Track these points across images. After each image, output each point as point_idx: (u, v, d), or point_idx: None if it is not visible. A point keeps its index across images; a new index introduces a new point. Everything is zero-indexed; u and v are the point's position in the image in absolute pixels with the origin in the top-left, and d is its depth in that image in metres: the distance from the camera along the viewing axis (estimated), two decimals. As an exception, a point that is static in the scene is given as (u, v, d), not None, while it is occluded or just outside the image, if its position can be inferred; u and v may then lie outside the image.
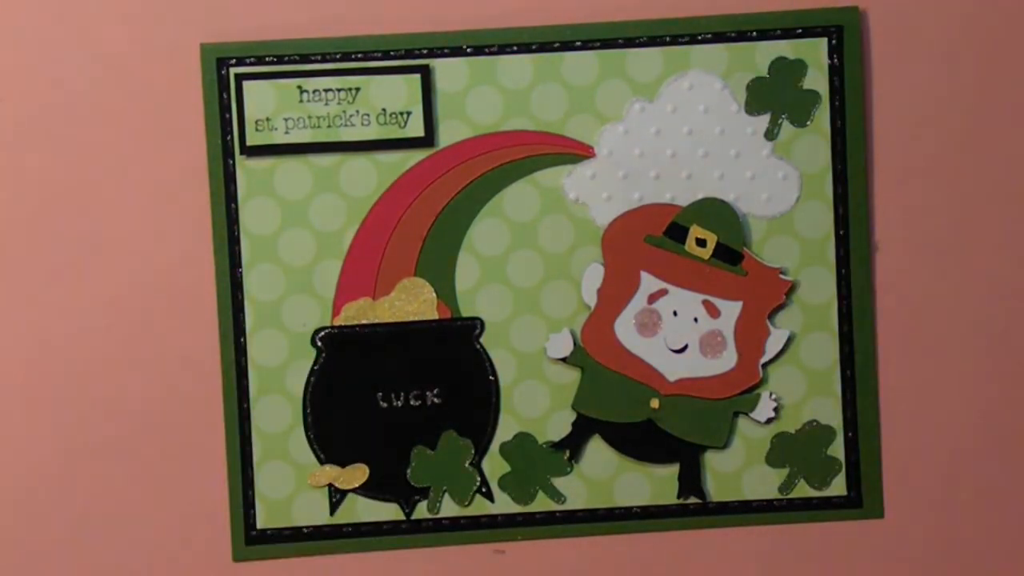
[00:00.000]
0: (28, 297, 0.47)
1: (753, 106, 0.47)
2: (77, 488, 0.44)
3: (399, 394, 0.44)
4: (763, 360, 0.47)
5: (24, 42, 0.46)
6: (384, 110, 0.46)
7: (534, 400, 0.47)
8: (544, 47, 0.46)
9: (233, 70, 0.46)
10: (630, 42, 0.47)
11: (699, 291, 0.47)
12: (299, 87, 0.46)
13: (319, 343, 0.46)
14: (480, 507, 0.47)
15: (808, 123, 0.47)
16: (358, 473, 0.47)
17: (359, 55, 0.46)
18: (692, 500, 0.48)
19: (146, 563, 0.47)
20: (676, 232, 0.47)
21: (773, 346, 0.47)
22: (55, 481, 0.47)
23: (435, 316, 0.47)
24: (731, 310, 0.47)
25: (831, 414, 0.47)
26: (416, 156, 0.47)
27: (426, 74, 0.46)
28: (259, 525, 0.47)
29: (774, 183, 0.47)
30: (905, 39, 0.47)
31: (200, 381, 0.47)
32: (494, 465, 0.47)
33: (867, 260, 0.47)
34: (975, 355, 0.48)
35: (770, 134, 0.47)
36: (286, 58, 0.46)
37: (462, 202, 0.47)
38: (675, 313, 0.47)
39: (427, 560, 0.47)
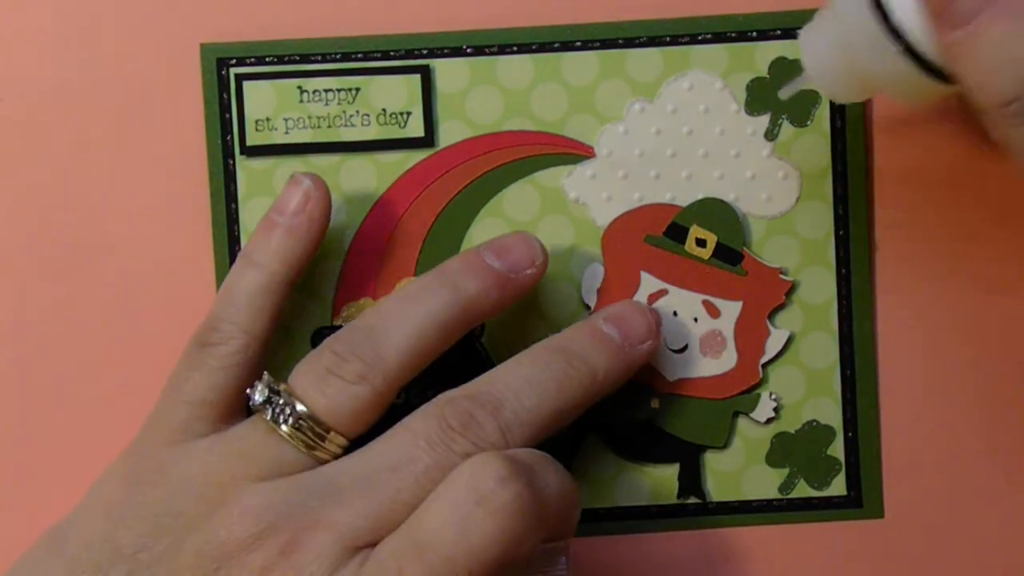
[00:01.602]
0: (25, 297, 0.47)
1: (753, 106, 0.47)
2: (76, 488, 0.44)
3: (400, 393, 0.44)
4: (763, 360, 0.47)
5: (23, 41, 0.46)
6: (384, 110, 0.46)
7: (534, 400, 0.47)
8: (544, 47, 0.46)
9: (233, 70, 0.46)
10: (630, 42, 0.47)
11: (699, 291, 0.47)
12: (299, 87, 0.46)
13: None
14: (480, 507, 0.47)
15: (808, 123, 0.47)
16: (358, 473, 0.47)
17: (359, 55, 0.46)
18: (692, 500, 0.48)
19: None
20: (676, 232, 0.47)
21: (773, 346, 0.47)
22: (53, 488, 0.47)
23: (435, 316, 0.47)
24: (731, 310, 0.47)
25: (831, 414, 0.47)
26: (416, 156, 0.47)
27: (426, 74, 0.46)
28: (259, 525, 0.47)
29: (774, 183, 0.47)
30: (905, 39, 0.47)
31: (200, 381, 0.47)
32: (494, 465, 0.47)
33: (867, 260, 0.47)
34: (975, 355, 0.48)
35: (770, 134, 0.47)
36: (286, 58, 0.46)
37: (462, 202, 0.47)
38: (675, 313, 0.47)
39: (427, 560, 0.47)
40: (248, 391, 0.42)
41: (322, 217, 0.44)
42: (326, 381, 0.41)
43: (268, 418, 0.41)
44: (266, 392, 0.42)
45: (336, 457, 0.41)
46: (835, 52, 0.41)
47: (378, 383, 0.41)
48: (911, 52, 0.38)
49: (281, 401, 0.41)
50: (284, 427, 0.41)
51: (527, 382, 0.41)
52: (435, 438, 0.40)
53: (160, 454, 0.42)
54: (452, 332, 0.43)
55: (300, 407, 0.41)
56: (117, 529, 0.41)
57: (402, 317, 0.42)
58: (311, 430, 0.41)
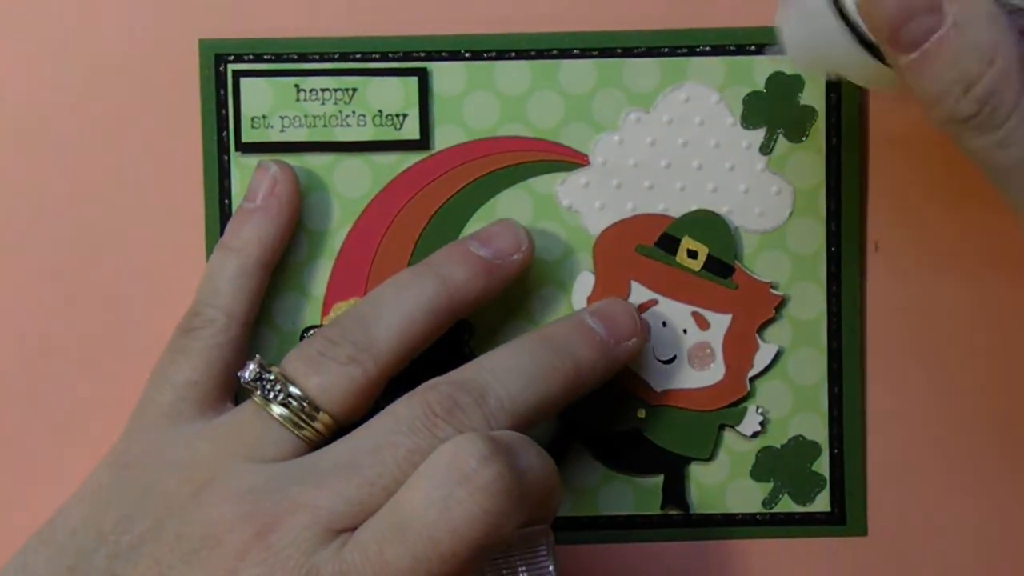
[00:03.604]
0: (19, 291, 0.47)
1: (749, 120, 0.47)
2: (74, 485, 0.44)
3: (387, 395, 0.44)
4: (751, 374, 0.47)
5: (21, 38, 0.46)
6: (380, 112, 0.46)
7: (521, 406, 0.47)
8: (542, 54, 0.46)
9: (231, 66, 0.46)
10: (628, 52, 0.47)
11: (689, 303, 0.47)
12: (296, 86, 0.46)
13: (308, 342, 0.46)
14: (463, 511, 0.47)
15: (804, 139, 0.47)
16: (345, 473, 0.47)
17: (357, 56, 0.46)
18: (675, 511, 0.47)
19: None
20: (667, 243, 0.47)
21: (761, 360, 0.47)
22: (51, 485, 0.47)
23: (425, 319, 0.47)
24: (720, 323, 0.47)
25: (817, 430, 0.47)
26: (411, 159, 0.47)
27: (423, 77, 0.46)
28: (245, 523, 0.47)
29: (767, 197, 0.47)
30: (903, 58, 0.47)
31: (188, 376, 0.47)
32: (479, 470, 0.47)
33: (858, 277, 0.47)
34: (963, 375, 0.48)
35: (765, 148, 0.47)
36: (284, 56, 0.46)
37: (455, 206, 0.47)
38: (664, 323, 0.47)
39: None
40: (239, 372, 0.43)
41: (291, 199, 0.45)
42: (318, 362, 0.42)
43: (258, 396, 0.42)
44: (257, 371, 0.42)
45: (324, 440, 0.42)
46: (798, 22, 0.41)
47: (369, 366, 0.42)
48: (865, 42, 0.38)
49: (271, 378, 0.42)
50: (274, 406, 0.42)
51: (513, 371, 0.42)
52: (418, 424, 0.40)
53: (146, 438, 0.42)
54: (441, 319, 0.43)
55: (291, 387, 0.42)
56: (101, 513, 0.41)
57: (392, 304, 0.43)
58: (301, 409, 0.41)
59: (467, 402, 0.40)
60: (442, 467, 0.38)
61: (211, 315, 0.44)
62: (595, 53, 0.47)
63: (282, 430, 0.41)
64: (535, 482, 0.39)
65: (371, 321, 0.42)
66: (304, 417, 0.41)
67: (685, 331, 0.47)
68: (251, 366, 0.42)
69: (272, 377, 0.42)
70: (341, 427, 0.42)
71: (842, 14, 0.39)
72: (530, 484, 0.39)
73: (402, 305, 0.43)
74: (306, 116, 0.46)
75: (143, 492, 0.41)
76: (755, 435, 0.47)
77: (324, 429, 0.42)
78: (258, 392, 0.42)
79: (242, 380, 0.42)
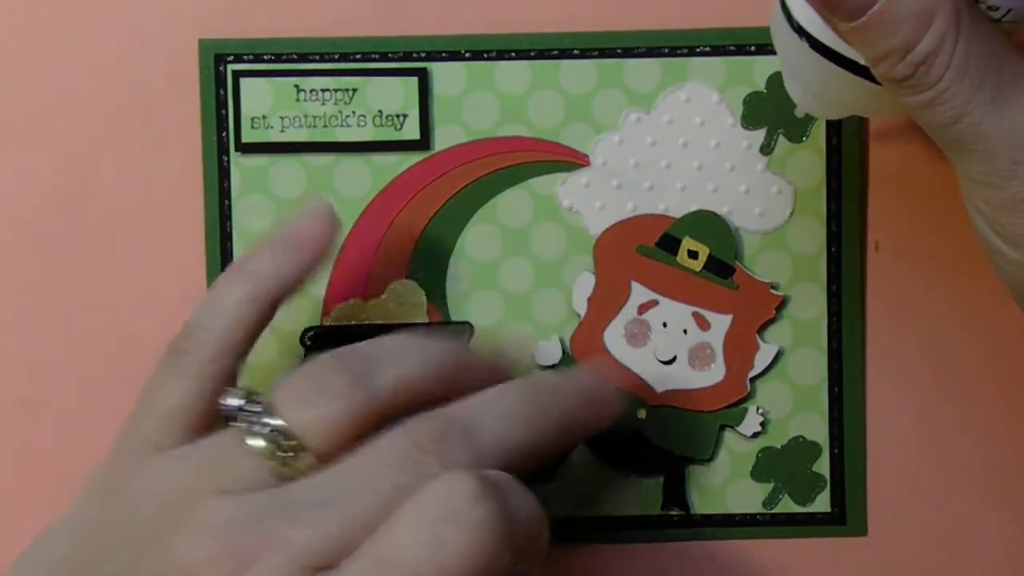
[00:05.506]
0: (21, 294, 0.47)
1: (749, 120, 0.47)
2: (68, 491, 0.44)
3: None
4: (751, 374, 0.47)
5: (21, 38, 0.46)
6: (380, 112, 0.46)
7: (521, 407, 0.47)
8: (542, 54, 0.46)
9: (231, 67, 0.46)
10: (628, 52, 0.47)
11: (690, 303, 0.47)
12: (296, 86, 0.46)
13: (308, 342, 0.46)
14: (464, 512, 0.47)
15: (804, 139, 0.47)
16: (344, 474, 0.47)
17: (357, 56, 0.46)
18: (676, 512, 0.47)
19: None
20: (668, 243, 0.47)
21: (762, 360, 0.47)
22: (46, 490, 0.47)
23: (425, 319, 0.47)
24: (721, 323, 0.47)
25: (817, 430, 0.47)
26: (411, 159, 0.47)
27: (424, 77, 0.46)
28: (242, 523, 0.47)
29: (768, 198, 0.47)
30: (903, 58, 0.47)
31: (188, 377, 0.47)
32: (479, 470, 0.47)
33: (858, 277, 0.47)
34: (964, 375, 0.48)
35: (765, 149, 0.47)
36: (284, 56, 0.46)
37: (456, 206, 0.47)
38: (665, 324, 0.47)
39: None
40: (220, 398, 0.40)
41: (326, 247, 0.43)
42: (307, 397, 0.39)
43: (240, 428, 0.39)
44: (242, 400, 0.40)
45: (306, 475, 0.39)
46: (784, 66, 0.43)
47: (358, 404, 0.39)
48: (821, 47, 0.39)
49: (257, 410, 0.39)
50: (255, 439, 0.39)
51: (504, 414, 0.40)
52: (406, 460, 0.38)
53: (129, 466, 0.40)
54: (447, 379, 0.41)
55: (276, 420, 0.39)
56: (83, 543, 0.39)
57: (398, 351, 0.40)
58: (284, 445, 0.39)
59: (456, 439, 0.38)
60: (431, 504, 0.36)
61: (203, 340, 0.41)
62: (595, 53, 0.47)
63: (263, 464, 0.39)
64: (524, 523, 0.37)
65: (372, 362, 0.40)
66: (286, 453, 0.39)
67: (685, 331, 0.47)
68: (236, 394, 0.40)
69: (258, 410, 0.39)
70: (324, 463, 0.39)
71: (789, 20, 0.40)
72: (519, 525, 0.37)
73: (410, 355, 0.40)
74: (306, 116, 0.46)
75: (122, 524, 0.39)
76: (755, 435, 0.47)
77: (307, 467, 0.39)
78: (241, 423, 0.39)
79: (226, 409, 0.40)
